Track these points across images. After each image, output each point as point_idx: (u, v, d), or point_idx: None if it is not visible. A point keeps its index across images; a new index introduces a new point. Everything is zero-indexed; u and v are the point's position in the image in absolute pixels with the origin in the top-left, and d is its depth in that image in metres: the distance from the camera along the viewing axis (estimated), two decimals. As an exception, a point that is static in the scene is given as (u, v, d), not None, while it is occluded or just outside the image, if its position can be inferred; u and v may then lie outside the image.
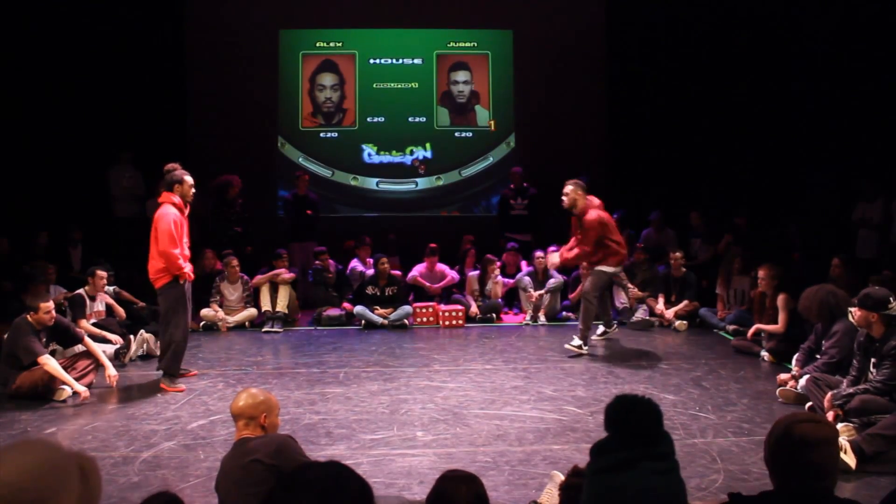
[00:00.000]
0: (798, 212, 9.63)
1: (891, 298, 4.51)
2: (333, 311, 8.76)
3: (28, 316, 5.69)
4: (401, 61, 11.69)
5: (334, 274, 9.23)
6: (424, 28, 11.66)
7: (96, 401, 5.62)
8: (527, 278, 8.96)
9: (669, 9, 10.71)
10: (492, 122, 11.73)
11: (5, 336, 5.91)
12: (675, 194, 10.40)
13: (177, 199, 5.93)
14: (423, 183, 11.65)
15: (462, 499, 2.43)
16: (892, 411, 4.27)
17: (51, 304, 5.76)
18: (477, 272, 9.30)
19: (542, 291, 8.76)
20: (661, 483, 2.31)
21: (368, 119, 11.61)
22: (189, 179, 6.02)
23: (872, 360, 4.59)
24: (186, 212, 6.05)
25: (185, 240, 6.00)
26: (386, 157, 11.62)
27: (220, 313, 8.42)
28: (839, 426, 4.37)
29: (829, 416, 4.53)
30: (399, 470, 4.14)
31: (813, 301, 5.28)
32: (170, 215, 5.85)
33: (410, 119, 11.65)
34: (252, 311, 8.57)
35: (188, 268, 5.98)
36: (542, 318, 8.71)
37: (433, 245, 9.41)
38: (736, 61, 10.41)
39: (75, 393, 5.54)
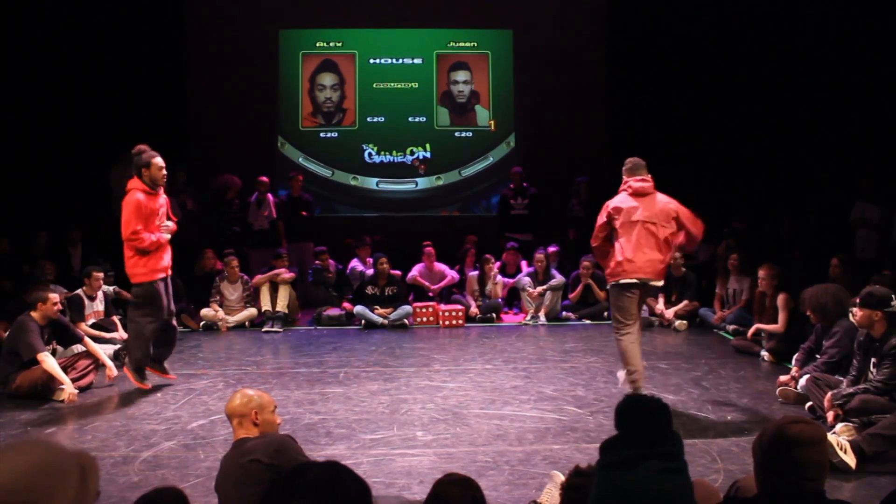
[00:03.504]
0: (797, 211, 9.62)
1: (892, 296, 4.51)
2: (333, 311, 8.77)
3: (32, 312, 5.70)
4: (401, 61, 11.69)
5: (334, 274, 9.24)
6: (424, 28, 11.67)
7: (96, 401, 5.63)
8: (526, 279, 8.96)
9: (669, 9, 10.72)
10: (492, 122, 11.73)
11: (5, 335, 5.91)
12: (675, 194, 10.37)
13: (145, 185, 5.49)
14: (423, 183, 11.65)
15: (458, 501, 2.43)
16: (892, 411, 4.26)
17: (57, 296, 5.80)
18: (477, 272, 9.31)
19: (544, 288, 8.77)
20: (669, 481, 2.34)
21: (368, 119, 11.62)
22: (158, 161, 5.54)
23: (872, 359, 4.59)
24: (160, 195, 5.64)
25: (164, 222, 5.62)
26: (386, 157, 11.63)
27: (220, 313, 8.43)
28: (839, 426, 4.37)
29: (829, 415, 4.52)
30: (399, 470, 4.14)
31: (827, 298, 5.26)
32: (132, 201, 5.40)
33: (410, 119, 11.66)
34: (252, 311, 8.58)
35: (153, 258, 5.49)
36: (542, 318, 8.71)
37: (428, 245, 9.42)
38: (736, 61, 10.41)
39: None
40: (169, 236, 5.68)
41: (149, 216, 5.50)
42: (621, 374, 5.30)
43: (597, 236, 5.34)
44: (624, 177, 5.38)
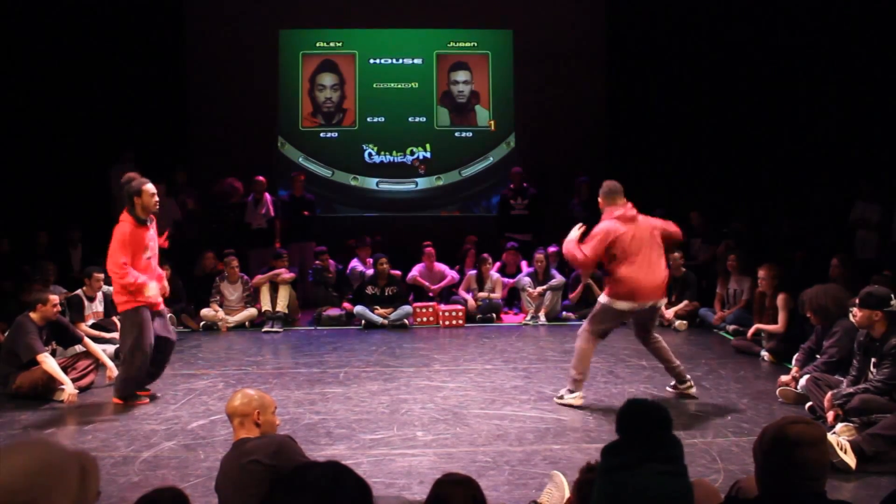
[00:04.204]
0: (797, 211, 9.62)
1: (892, 296, 4.51)
2: (333, 311, 8.77)
3: (30, 313, 5.69)
4: (401, 61, 11.69)
5: (334, 274, 9.23)
6: (424, 28, 11.66)
7: (96, 401, 5.63)
8: (526, 279, 8.96)
9: (669, 9, 10.72)
10: (492, 122, 11.73)
11: (5, 335, 5.91)
12: (675, 194, 10.40)
13: (134, 218, 5.34)
14: (423, 183, 11.65)
15: (459, 502, 2.43)
16: (892, 411, 4.27)
17: (57, 298, 5.79)
18: (475, 272, 9.29)
19: (544, 288, 8.77)
20: (669, 484, 2.35)
21: (368, 119, 11.62)
22: (149, 188, 5.40)
23: (872, 359, 4.59)
24: (151, 227, 5.49)
25: (147, 256, 5.43)
26: (386, 158, 11.63)
27: (220, 313, 8.42)
28: (839, 426, 4.37)
29: (830, 415, 4.53)
30: (399, 470, 4.14)
31: (827, 299, 5.27)
32: (121, 232, 5.28)
33: (410, 119, 11.65)
34: (252, 311, 8.58)
35: (150, 288, 5.31)
36: (542, 318, 8.71)
37: (428, 245, 9.42)
38: (736, 61, 10.41)
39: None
40: (158, 295, 5.49)
41: (136, 250, 5.35)
42: (568, 393, 5.36)
43: (593, 261, 5.31)
44: (602, 200, 5.42)
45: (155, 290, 5.40)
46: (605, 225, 5.28)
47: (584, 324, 5.49)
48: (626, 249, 5.17)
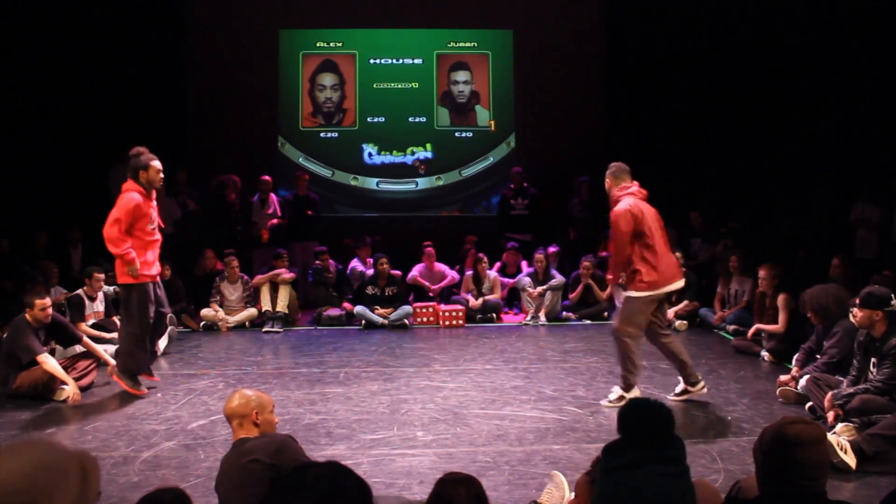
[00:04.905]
0: (797, 211, 9.62)
1: (892, 296, 4.51)
2: (333, 311, 8.77)
3: (27, 315, 5.69)
4: (401, 61, 11.69)
5: (334, 274, 9.23)
6: (424, 28, 11.67)
7: (96, 401, 5.63)
8: (526, 279, 8.96)
9: (669, 9, 10.72)
10: (492, 122, 11.73)
11: (5, 335, 5.91)
12: (675, 194, 10.40)
13: (141, 188, 5.50)
14: (423, 183, 11.65)
15: (461, 501, 2.43)
16: (892, 411, 4.26)
17: (47, 301, 5.74)
18: (472, 272, 9.28)
19: (544, 288, 8.76)
20: (670, 485, 2.35)
21: (368, 119, 11.62)
22: (156, 164, 5.57)
23: (873, 359, 4.59)
24: (153, 199, 5.64)
25: (152, 226, 5.58)
26: (387, 158, 11.63)
27: (220, 313, 8.42)
28: (839, 426, 4.37)
29: (830, 415, 4.53)
30: (399, 470, 4.14)
31: (828, 299, 5.28)
32: (129, 200, 5.39)
33: (410, 119, 11.66)
34: (252, 311, 8.58)
35: (135, 271, 5.41)
36: (542, 318, 8.71)
37: (428, 245, 9.42)
38: (736, 61, 10.41)
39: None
40: (157, 270, 5.70)
41: (142, 218, 5.50)
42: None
43: (628, 243, 5.11)
44: (610, 181, 5.36)
45: (140, 270, 5.48)
46: (627, 202, 5.16)
47: (619, 328, 5.30)
48: (648, 228, 5.09)
